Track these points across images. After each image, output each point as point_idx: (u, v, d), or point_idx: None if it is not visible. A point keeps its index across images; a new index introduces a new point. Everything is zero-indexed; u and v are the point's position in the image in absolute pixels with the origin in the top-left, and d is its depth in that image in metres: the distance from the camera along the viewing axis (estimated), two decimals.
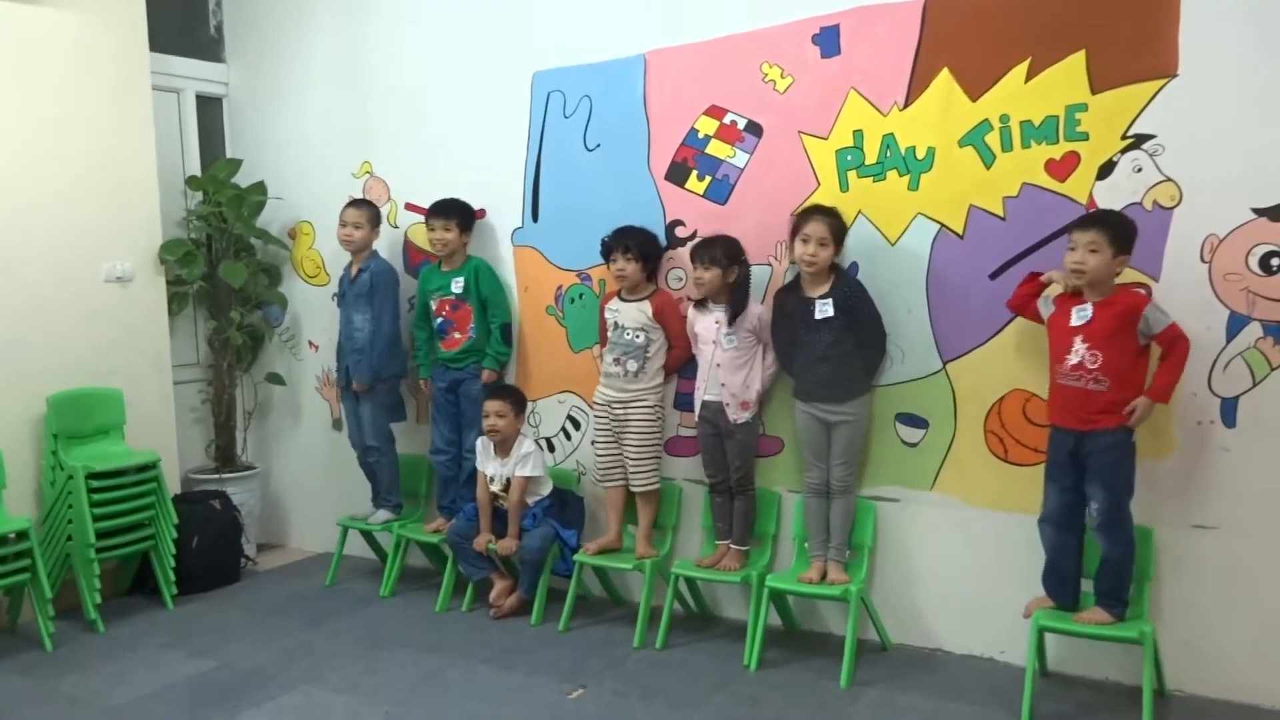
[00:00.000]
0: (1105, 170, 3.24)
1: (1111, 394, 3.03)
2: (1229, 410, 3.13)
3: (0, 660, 3.76)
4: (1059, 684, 3.36)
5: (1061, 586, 3.20)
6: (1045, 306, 3.23)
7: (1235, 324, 3.10)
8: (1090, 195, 3.26)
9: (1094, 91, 3.23)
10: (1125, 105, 3.19)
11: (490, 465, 4.17)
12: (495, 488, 4.17)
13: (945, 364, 3.55)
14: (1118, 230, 3.03)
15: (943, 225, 3.51)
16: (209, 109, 5.25)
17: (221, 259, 4.90)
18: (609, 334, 3.99)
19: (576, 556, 4.00)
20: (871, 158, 3.60)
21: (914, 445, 3.63)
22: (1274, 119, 3.01)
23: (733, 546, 3.79)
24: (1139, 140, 3.18)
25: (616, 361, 3.95)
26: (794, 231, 3.56)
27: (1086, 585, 3.21)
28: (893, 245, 3.59)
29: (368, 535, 4.74)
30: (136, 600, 4.41)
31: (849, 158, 3.64)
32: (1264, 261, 3.05)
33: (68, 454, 4.18)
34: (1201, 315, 3.09)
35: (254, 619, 4.21)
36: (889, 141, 3.57)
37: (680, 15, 3.93)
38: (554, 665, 3.62)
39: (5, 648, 3.88)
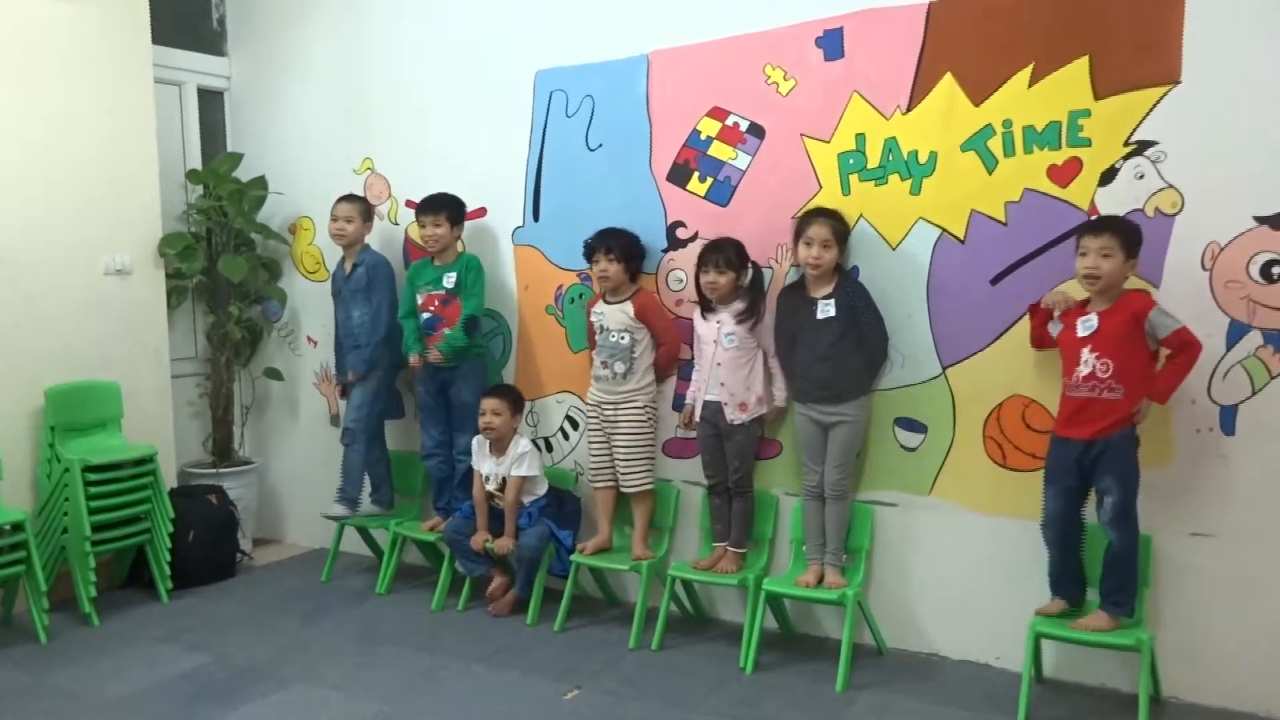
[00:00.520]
0: (1107, 176, 3.23)
1: (1128, 402, 3.02)
2: (1228, 418, 3.13)
3: None
4: (1055, 690, 3.36)
5: (1074, 584, 3.21)
6: (1054, 328, 3.22)
7: (1235, 332, 3.09)
8: (1092, 201, 3.26)
9: (1097, 97, 3.23)
10: (1128, 111, 3.18)
11: (485, 464, 4.16)
12: (491, 487, 4.16)
13: (945, 369, 3.54)
14: (1129, 235, 3.03)
15: (944, 230, 3.50)
16: (210, 103, 5.25)
17: (221, 253, 4.89)
18: (596, 337, 4.00)
19: (573, 557, 4.00)
20: (874, 161, 3.60)
21: (913, 450, 3.62)
22: (1277, 127, 3.00)
23: (730, 549, 3.79)
24: (1141, 147, 3.18)
25: (604, 364, 3.96)
26: (797, 235, 3.56)
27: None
28: (894, 249, 3.59)
29: (364, 532, 4.74)
30: (132, 594, 4.41)
31: (851, 161, 3.64)
32: (1265, 270, 3.05)
33: (65, 446, 4.17)
34: (1202, 323, 3.08)
35: (249, 614, 4.20)
36: (891, 145, 3.56)
37: (684, 16, 3.93)
38: (550, 665, 3.62)
39: None
